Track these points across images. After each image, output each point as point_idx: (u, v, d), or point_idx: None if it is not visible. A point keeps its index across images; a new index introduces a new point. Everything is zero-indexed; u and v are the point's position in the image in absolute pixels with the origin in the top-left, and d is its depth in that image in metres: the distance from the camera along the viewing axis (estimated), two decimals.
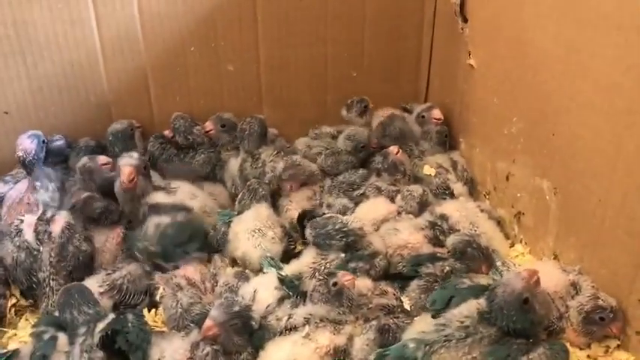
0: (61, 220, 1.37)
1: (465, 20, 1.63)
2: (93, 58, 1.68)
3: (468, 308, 1.14)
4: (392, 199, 1.58)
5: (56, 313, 1.21)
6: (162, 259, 1.37)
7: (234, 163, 1.71)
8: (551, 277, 1.24)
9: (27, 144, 1.51)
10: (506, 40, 1.46)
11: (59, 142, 1.67)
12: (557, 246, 1.38)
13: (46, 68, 1.66)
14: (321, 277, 1.23)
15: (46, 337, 1.14)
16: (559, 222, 1.37)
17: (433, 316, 1.19)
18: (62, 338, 1.14)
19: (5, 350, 1.17)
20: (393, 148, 1.64)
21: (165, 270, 1.36)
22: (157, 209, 1.42)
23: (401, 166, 1.63)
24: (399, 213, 1.53)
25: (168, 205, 1.44)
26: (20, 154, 1.50)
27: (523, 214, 1.50)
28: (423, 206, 1.56)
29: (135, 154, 1.46)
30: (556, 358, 1.11)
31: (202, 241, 1.44)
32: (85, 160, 1.52)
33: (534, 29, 1.36)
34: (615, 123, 1.16)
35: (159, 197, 1.47)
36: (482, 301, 1.14)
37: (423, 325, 1.15)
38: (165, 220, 1.40)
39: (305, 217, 1.47)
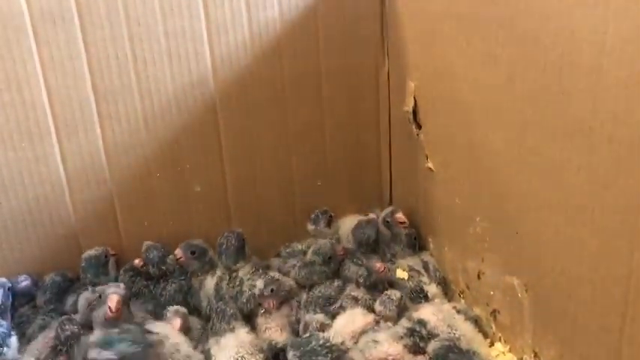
0: None
1: (419, 127, 1.71)
2: (59, 191, 1.69)
3: None
4: (369, 308, 1.58)
5: None
6: None
7: (209, 282, 1.70)
8: None
9: None
10: (460, 144, 1.53)
11: (25, 282, 1.64)
12: (536, 343, 1.39)
13: (12, 206, 1.66)
14: None
15: None
16: (534, 318, 1.38)
17: None
18: None
19: None
20: (380, 266, 1.65)
21: None
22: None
23: (381, 284, 1.65)
24: (377, 322, 1.52)
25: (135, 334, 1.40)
26: None
27: (499, 312, 1.51)
28: (401, 310, 1.56)
29: (121, 285, 1.48)
30: None
31: None
32: (89, 293, 1.51)
33: (485, 133, 1.43)
34: (574, 221, 1.20)
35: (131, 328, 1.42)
36: None
37: None
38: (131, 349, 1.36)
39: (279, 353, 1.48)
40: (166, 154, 1.76)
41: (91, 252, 1.70)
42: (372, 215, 1.85)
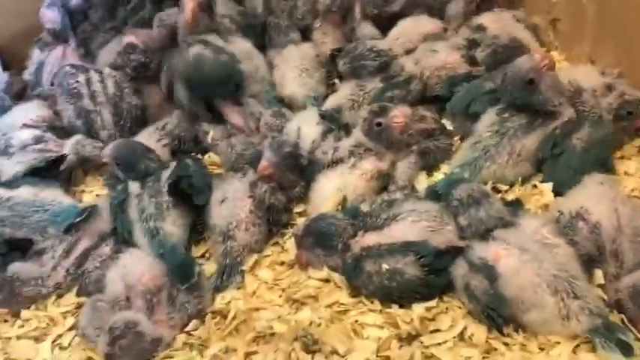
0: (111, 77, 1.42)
1: None
2: None
3: (489, 116, 1.22)
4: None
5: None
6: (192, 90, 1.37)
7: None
8: (588, 78, 1.26)
9: (50, 15, 1.54)
10: None
11: (76, 0, 1.61)
12: (594, 51, 1.37)
13: None
14: (366, 114, 1.24)
15: (119, 186, 1.24)
16: (596, 26, 1.34)
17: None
18: (133, 184, 1.22)
19: (86, 205, 1.24)
20: None
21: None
22: (202, 43, 1.39)
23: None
24: (444, 30, 1.51)
25: (215, 44, 1.41)
26: (49, 26, 1.54)
27: (559, 20, 1.47)
28: (466, 19, 1.52)
29: None
30: (598, 130, 1.19)
31: (233, 90, 1.41)
32: None
33: None
34: None
35: (210, 38, 1.42)
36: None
37: (460, 154, 1.24)
38: (207, 53, 1.37)
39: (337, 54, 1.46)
40: None
41: None
42: None
